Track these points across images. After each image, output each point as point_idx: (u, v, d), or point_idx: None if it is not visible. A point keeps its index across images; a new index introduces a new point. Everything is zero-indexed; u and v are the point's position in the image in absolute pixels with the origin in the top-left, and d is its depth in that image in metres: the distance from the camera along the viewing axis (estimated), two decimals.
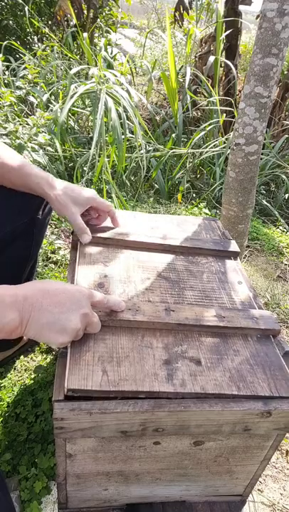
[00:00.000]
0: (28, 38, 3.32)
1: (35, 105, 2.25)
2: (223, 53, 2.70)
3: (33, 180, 0.81)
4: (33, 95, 2.33)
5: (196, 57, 3.00)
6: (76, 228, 0.84)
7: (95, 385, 0.59)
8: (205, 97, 2.67)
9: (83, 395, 0.59)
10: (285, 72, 2.80)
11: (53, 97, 2.39)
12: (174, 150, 2.23)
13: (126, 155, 2.12)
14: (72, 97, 1.90)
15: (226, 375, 0.65)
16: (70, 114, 2.25)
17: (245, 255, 1.86)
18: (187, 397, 0.62)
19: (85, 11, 3.19)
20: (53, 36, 2.97)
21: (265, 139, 2.33)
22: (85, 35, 2.59)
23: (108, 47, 2.98)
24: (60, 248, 1.61)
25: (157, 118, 2.72)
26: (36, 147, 1.83)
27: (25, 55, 2.54)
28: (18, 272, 0.99)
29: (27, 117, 1.93)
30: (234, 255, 0.96)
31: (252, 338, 0.74)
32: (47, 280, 0.64)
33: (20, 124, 1.87)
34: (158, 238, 0.93)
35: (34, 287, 0.60)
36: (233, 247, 0.96)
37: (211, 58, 2.56)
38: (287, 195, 2.41)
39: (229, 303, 0.80)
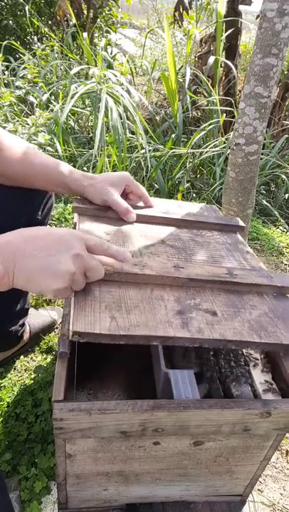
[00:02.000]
0: (28, 37, 3.32)
1: (35, 105, 2.25)
2: (223, 53, 2.70)
3: (70, 178, 0.81)
4: (32, 95, 2.33)
5: (196, 57, 3.00)
6: (120, 209, 0.82)
7: (103, 329, 0.54)
8: (205, 97, 2.67)
9: (90, 341, 0.54)
10: (285, 72, 2.80)
11: (53, 97, 2.39)
12: (173, 150, 2.23)
13: (126, 155, 2.12)
14: (72, 97, 1.90)
15: (245, 325, 0.62)
16: (70, 114, 2.25)
17: None
18: (205, 346, 0.59)
19: (85, 11, 3.19)
20: (53, 36, 2.97)
21: (265, 139, 2.32)
22: (85, 35, 2.59)
23: (108, 47, 2.98)
24: None
25: (157, 118, 2.72)
26: (36, 147, 1.83)
27: (24, 54, 2.54)
28: None
29: (27, 117, 1.93)
30: (240, 230, 0.93)
31: (268, 295, 0.70)
32: (36, 227, 0.58)
33: (20, 124, 1.87)
34: (160, 212, 0.90)
35: (17, 234, 0.55)
36: (237, 221, 0.94)
37: (211, 58, 2.56)
38: (287, 195, 2.41)
39: (240, 267, 0.77)
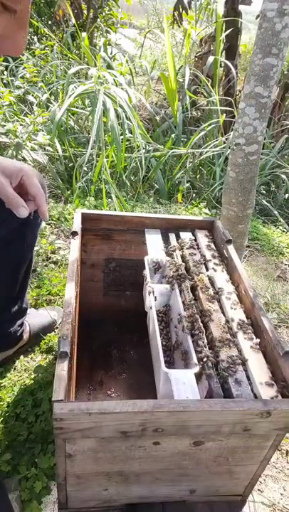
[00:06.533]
0: (28, 37, 3.31)
1: (35, 104, 2.25)
2: (223, 53, 2.70)
3: None
4: (32, 95, 2.33)
5: (196, 57, 3.00)
6: (8, 201, 0.71)
7: None
8: (205, 97, 2.67)
9: None
10: (285, 72, 2.79)
11: (52, 97, 2.39)
12: (173, 150, 2.23)
13: (126, 155, 2.12)
14: (70, 96, 1.90)
15: None
16: (70, 114, 2.25)
17: (245, 255, 1.86)
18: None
19: (85, 11, 3.19)
20: (53, 36, 2.97)
21: (265, 139, 2.32)
22: (84, 34, 2.59)
23: (108, 47, 2.97)
24: (60, 248, 1.61)
25: (157, 118, 2.72)
26: (36, 147, 1.83)
27: (24, 54, 2.54)
28: (13, 274, 0.99)
29: (26, 117, 1.93)
30: None
31: None
32: None
33: (21, 125, 1.87)
34: None
35: None
36: None
37: (211, 58, 2.56)
38: (287, 195, 2.41)
39: None
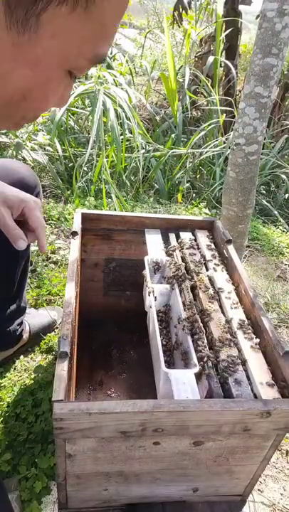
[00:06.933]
0: None
1: None
2: (224, 53, 2.70)
3: None
4: None
5: (196, 57, 3.00)
6: (8, 233, 0.71)
7: None
8: (205, 97, 2.67)
9: None
10: (285, 72, 2.79)
11: None
12: (173, 150, 2.23)
13: (126, 155, 2.12)
14: (69, 96, 1.91)
15: None
16: (70, 114, 2.25)
17: (245, 255, 1.86)
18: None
19: None
20: None
21: (265, 139, 2.32)
22: None
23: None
24: (60, 248, 1.61)
25: (157, 118, 2.72)
26: (36, 147, 1.83)
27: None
28: (10, 272, 0.99)
29: None
30: None
31: None
32: None
33: None
34: None
35: None
36: None
37: (211, 58, 2.56)
38: (287, 195, 2.41)
39: None
